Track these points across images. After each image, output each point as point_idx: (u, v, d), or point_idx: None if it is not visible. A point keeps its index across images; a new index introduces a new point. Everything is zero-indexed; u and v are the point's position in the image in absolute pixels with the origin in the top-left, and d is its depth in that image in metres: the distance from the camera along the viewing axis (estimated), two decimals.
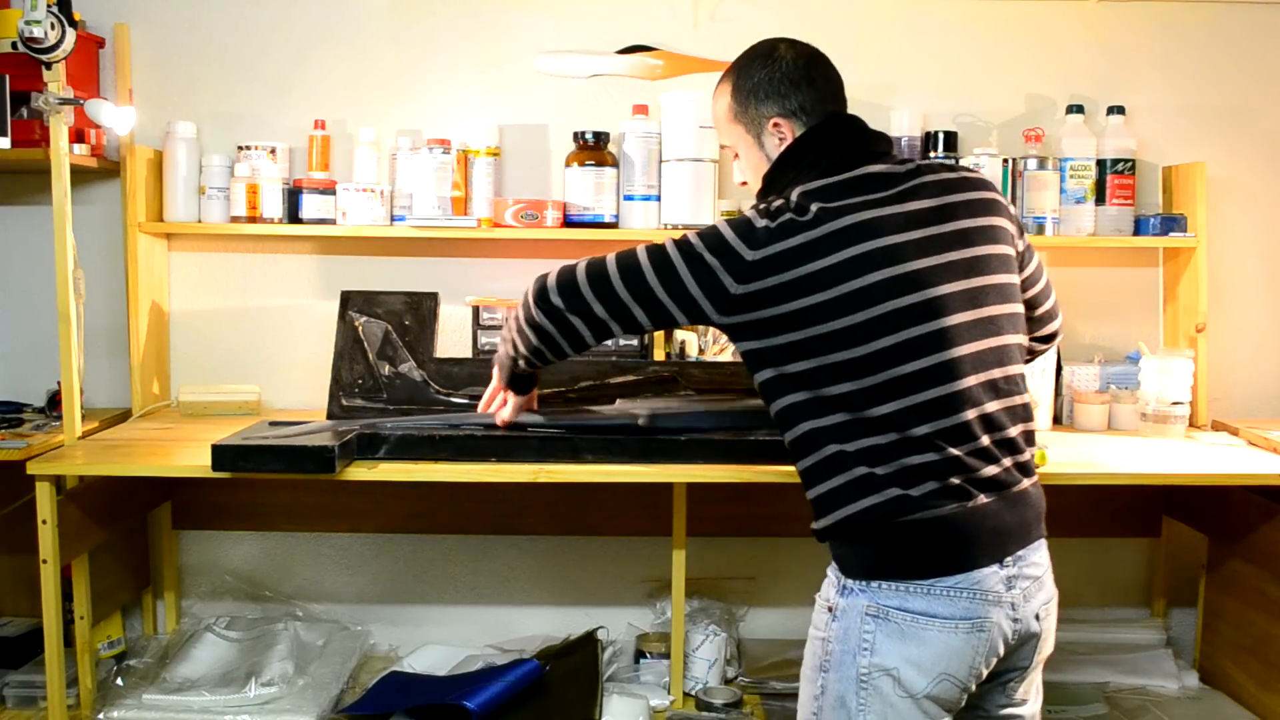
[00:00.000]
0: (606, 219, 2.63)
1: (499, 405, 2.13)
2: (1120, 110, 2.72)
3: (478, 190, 2.64)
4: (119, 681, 2.46)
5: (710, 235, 1.62)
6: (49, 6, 2.20)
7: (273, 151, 2.65)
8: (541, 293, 1.77)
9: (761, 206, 1.63)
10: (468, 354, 2.63)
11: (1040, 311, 1.83)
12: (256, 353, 2.79)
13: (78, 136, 2.50)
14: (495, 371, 2.06)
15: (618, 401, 2.32)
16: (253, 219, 2.61)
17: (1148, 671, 2.63)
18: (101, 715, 2.34)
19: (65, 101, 2.29)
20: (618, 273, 1.68)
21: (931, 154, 2.67)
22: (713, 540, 2.78)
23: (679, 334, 2.62)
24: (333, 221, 2.62)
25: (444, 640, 2.79)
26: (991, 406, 1.58)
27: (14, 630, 2.67)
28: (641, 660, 2.68)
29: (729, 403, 2.24)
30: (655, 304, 1.66)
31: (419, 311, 2.50)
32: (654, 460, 2.15)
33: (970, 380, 1.56)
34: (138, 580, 2.74)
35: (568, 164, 2.65)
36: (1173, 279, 2.79)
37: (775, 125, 1.71)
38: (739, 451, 2.14)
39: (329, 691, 2.45)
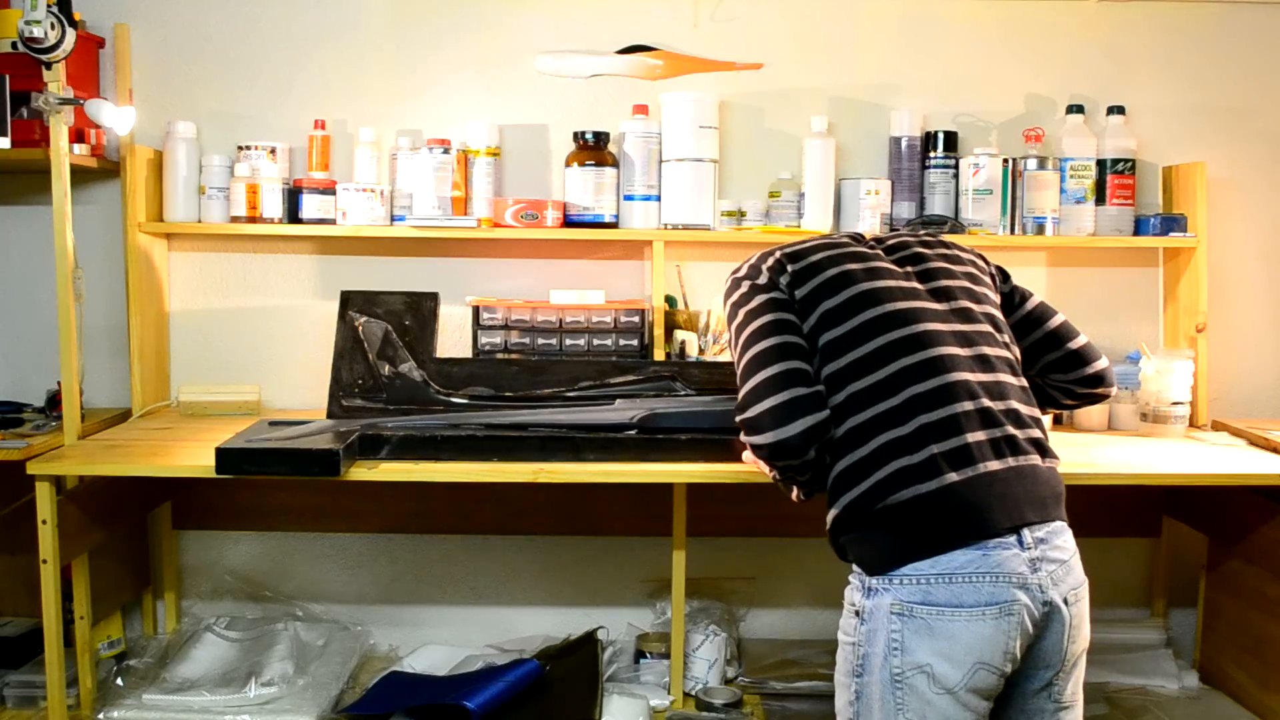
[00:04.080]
0: (606, 219, 2.63)
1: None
2: (1120, 110, 2.72)
3: (478, 190, 2.64)
4: (119, 681, 2.46)
5: (748, 269, 1.80)
6: (49, 6, 2.20)
7: (273, 151, 2.65)
8: (759, 441, 1.70)
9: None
10: (468, 354, 2.62)
11: (1073, 347, 1.87)
12: (256, 353, 2.79)
13: (78, 136, 2.50)
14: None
15: (618, 401, 2.32)
16: (253, 219, 2.61)
17: (1148, 671, 2.63)
18: (101, 715, 2.34)
19: (65, 101, 2.29)
20: (759, 367, 1.69)
21: (931, 154, 2.67)
22: (713, 540, 2.77)
23: (679, 334, 2.62)
24: (333, 221, 2.62)
25: (444, 640, 2.79)
26: (985, 377, 1.65)
27: (14, 630, 2.67)
28: (641, 660, 2.68)
29: (729, 403, 2.24)
30: (795, 351, 1.70)
31: (419, 311, 2.50)
32: (654, 460, 2.15)
33: (962, 372, 1.63)
34: (138, 580, 2.74)
35: (568, 164, 2.65)
36: (1173, 279, 2.79)
37: None
38: (739, 451, 2.14)
39: (329, 691, 2.45)
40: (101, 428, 2.50)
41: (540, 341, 2.58)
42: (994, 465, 1.58)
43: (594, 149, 2.63)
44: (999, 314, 1.77)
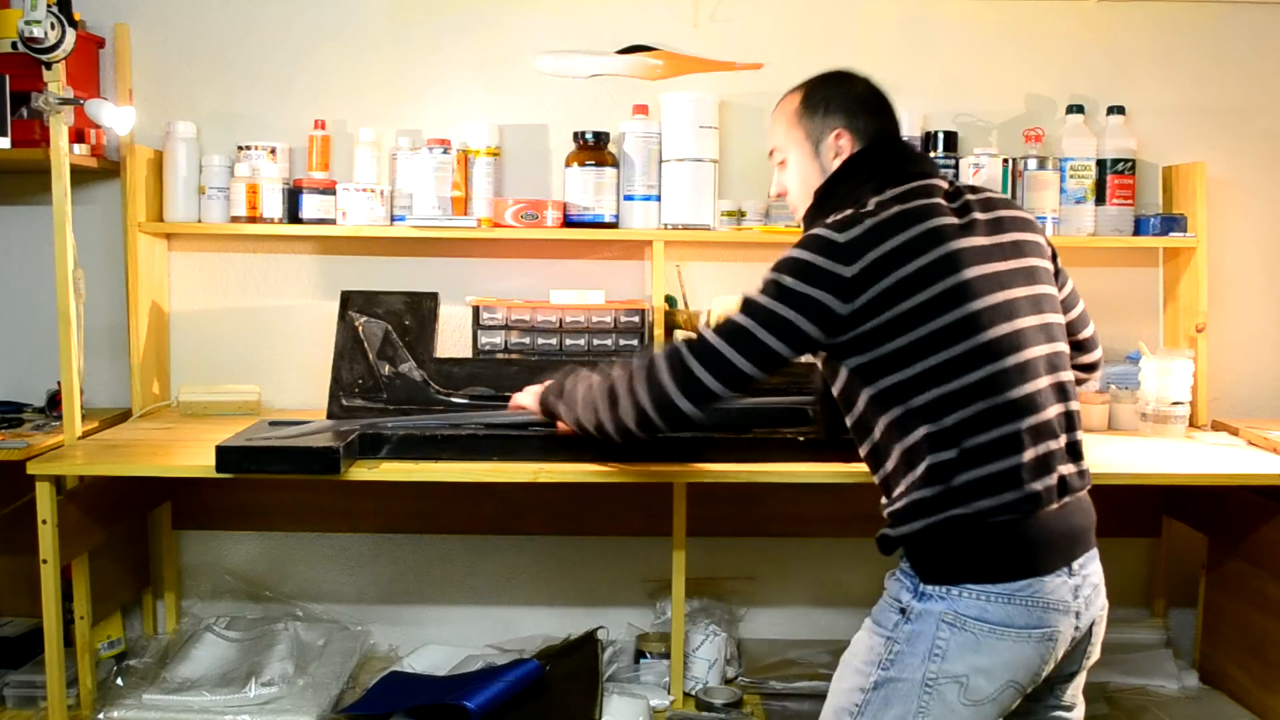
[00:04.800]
0: (606, 219, 2.63)
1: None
2: (1120, 110, 2.72)
3: (478, 190, 2.64)
4: (119, 681, 2.46)
5: (800, 266, 1.60)
6: (49, 6, 2.20)
7: (273, 151, 2.65)
8: (645, 422, 1.71)
9: (830, 222, 1.62)
10: (468, 354, 2.62)
11: (1081, 337, 1.85)
12: (256, 353, 2.79)
13: (78, 136, 2.50)
14: (536, 406, 2.02)
15: None
16: (253, 219, 2.61)
17: (1148, 671, 2.63)
18: (101, 715, 2.34)
19: (65, 101, 2.29)
20: (731, 346, 1.64)
21: (931, 154, 2.67)
22: (713, 540, 2.77)
23: (679, 334, 2.62)
24: (333, 221, 2.62)
25: (444, 640, 2.79)
26: (1061, 408, 1.62)
27: (14, 630, 2.67)
28: (641, 660, 2.68)
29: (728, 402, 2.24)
30: (772, 358, 1.63)
31: (419, 311, 2.50)
32: (654, 460, 2.15)
33: (1045, 381, 1.60)
34: (138, 580, 2.74)
35: (568, 164, 2.65)
36: (1173, 279, 2.79)
37: (838, 136, 1.73)
38: (739, 451, 2.14)
39: (329, 691, 2.45)
40: (101, 428, 2.50)
41: (540, 341, 2.58)
42: (1068, 500, 1.60)
43: (594, 149, 2.63)
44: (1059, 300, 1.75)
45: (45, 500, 2.13)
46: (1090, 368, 1.91)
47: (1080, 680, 1.70)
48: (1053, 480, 1.58)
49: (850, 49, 2.78)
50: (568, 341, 2.58)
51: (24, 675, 2.51)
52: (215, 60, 2.75)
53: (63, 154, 2.31)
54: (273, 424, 2.27)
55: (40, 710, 2.39)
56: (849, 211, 1.63)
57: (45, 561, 2.14)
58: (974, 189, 1.73)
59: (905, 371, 1.58)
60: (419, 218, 2.60)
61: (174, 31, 2.73)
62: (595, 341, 2.59)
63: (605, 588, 2.87)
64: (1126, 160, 2.70)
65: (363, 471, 2.11)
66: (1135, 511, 2.80)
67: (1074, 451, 1.64)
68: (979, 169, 2.64)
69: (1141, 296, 2.85)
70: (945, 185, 1.70)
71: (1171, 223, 2.66)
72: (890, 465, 1.62)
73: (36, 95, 2.31)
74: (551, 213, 2.60)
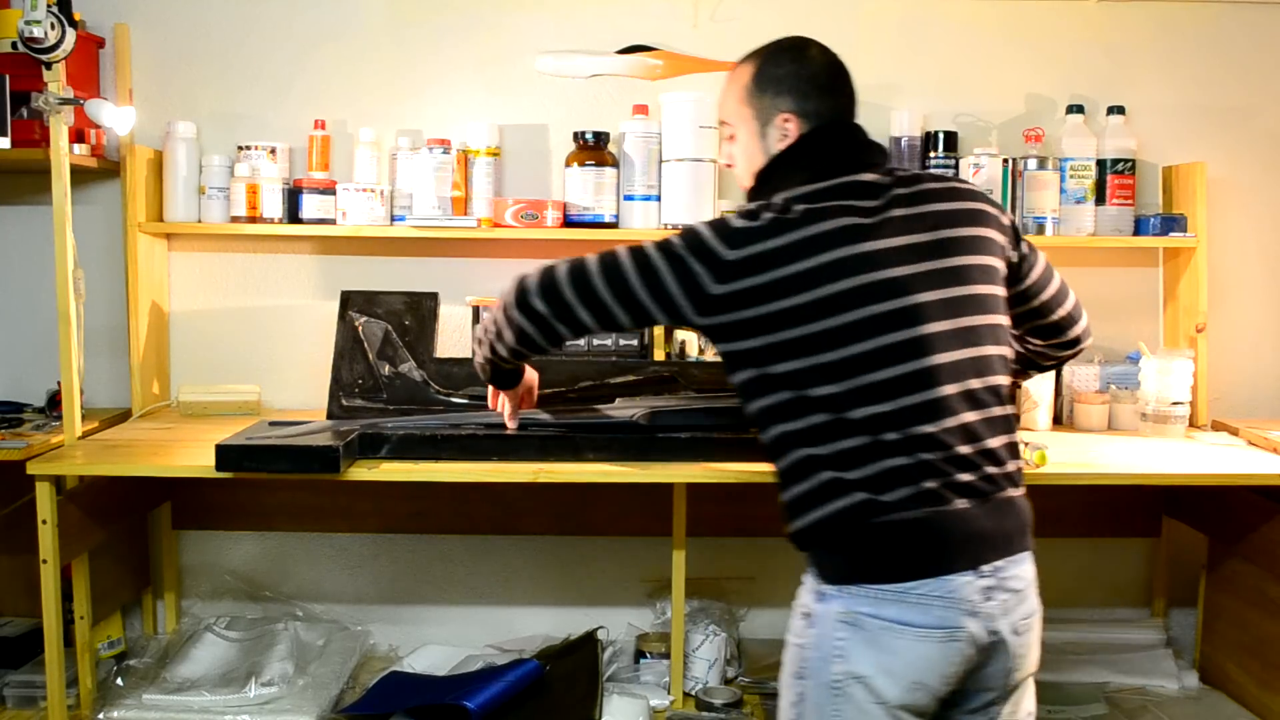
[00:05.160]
0: (606, 219, 2.62)
1: (501, 407, 2.14)
2: (1120, 110, 2.72)
3: (478, 190, 2.64)
4: (119, 681, 2.46)
5: (690, 236, 1.63)
6: (49, 6, 2.20)
7: (273, 151, 2.65)
8: (522, 296, 1.75)
9: (742, 209, 1.64)
10: (468, 354, 2.62)
11: (1056, 316, 1.82)
12: (256, 353, 2.79)
13: (78, 136, 2.50)
14: (480, 375, 2.05)
15: (617, 400, 2.32)
16: (253, 219, 2.61)
17: (1148, 671, 2.63)
18: (101, 715, 2.34)
19: (65, 101, 2.29)
20: (600, 274, 1.68)
21: (931, 154, 2.66)
22: (713, 540, 2.77)
23: (679, 334, 2.62)
24: (333, 221, 2.62)
25: (444, 640, 2.79)
26: (969, 417, 1.56)
27: (14, 630, 2.67)
28: (641, 660, 2.68)
29: (729, 402, 2.24)
30: (636, 304, 1.66)
31: (419, 311, 2.50)
32: (654, 460, 2.15)
33: (948, 389, 1.55)
34: (138, 580, 2.74)
35: (568, 164, 2.65)
36: (1173, 279, 2.79)
37: (786, 120, 1.70)
38: (739, 451, 2.14)
39: (329, 691, 2.45)
40: (101, 428, 2.50)
41: None
42: (975, 503, 1.55)
43: (594, 149, 2.63)
44: (1003, 291, 1.68)
45: (45, 500, 2.13)
46: (1068, 344, 1.88)
47: (1019, 700, 1.64)
48: (952, 483, 1.53)
49: (850, 49, 2.75)
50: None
51: (24, 675, 2.51)
52: (215, 60, 2.75)
53: (63, 154, 2.32)
54: (273, 424, 2.27)
55: (40, 710, 2.39)
56: (763, 203, 1.63)
57: (45, 561, 2.14)
58: (915, 179, 1.67)
59: (780, 366, 1.57)
60: (419, 218, 2.60)
61: (174, 31, 2.73)
62: (595, 341, 2.59)
63: (605, 588, 2.87)
64: (1126, 160, 2.69)
65: (362, 471, 2.11)
66: (1135, 511, 2.80)
67: (990, 457, 1.57)
68: (979, 169, 2.64)
69: (1141, 296, 2.85)
70: (878, 178, 1.64)
71: (1171, 223, 2.66)
72: (777, 458, 1.62)
73: (36, 95, 2.31)
74: (551, 213, 2.60)
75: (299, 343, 2.78)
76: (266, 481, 2.48)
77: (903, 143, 2.68)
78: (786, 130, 1.70)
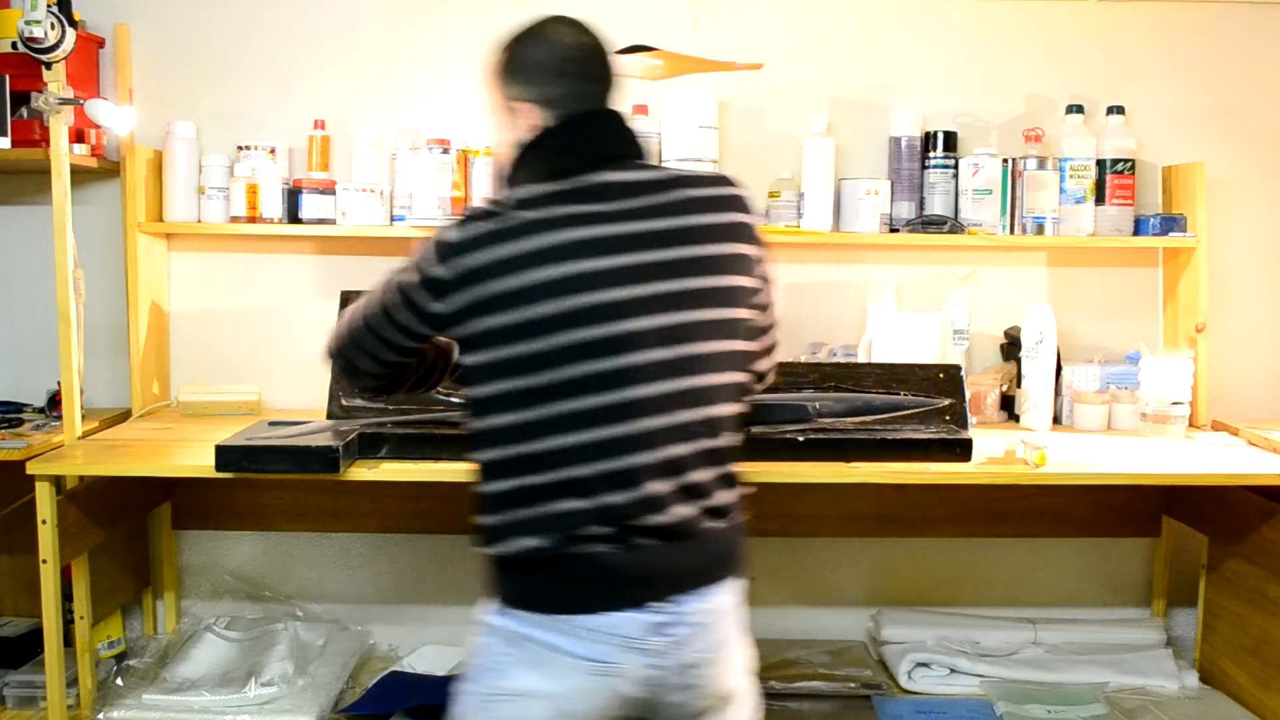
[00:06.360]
0: None
1: None
2: (1120, 110, 2.72)
3: (478, 190, 2.63)
4: (119, 681, 2.46)
5: (417, 254, 1.54)
6: (49, 6, 2.21)
7: (273, 151, 2.65)
8: (328, 353, 1.73)
9: (470, 209, 1.54)
10: None
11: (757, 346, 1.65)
12: (256, 353, 2.79)
13: (78, 136, 2.50)
14: None
15: None
16: (253, 219, 2.61)
17: (1148, 671, 2.63)
18: (101, 715, 2.34)
19: (65, 101, 2.29)
20: (365, 329, 1.63)
21: (931, 154, 2.66)
22: None
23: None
24: (333, 221, 2.62)
25: (444, 640, 2.79)
26: (677, 450, 1.49)
27: (14, 630, 2.67)
28: None
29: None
30: (400, 340, 1.60)
31: None
32: None
33: (651, 422, 1.47)
34: (138, 580, 2.74)
35: None
36: (1172, 279, 2.79)
37: (530, 109, 1.57)
38: (738, 451, 2.13)
39: (329, 691, 2.45)
40: (101, 428, 2.50)
41: None
42: (656, 541, 1.49)
43: None
44: (747, 312, 1.56)
45: (45, 500, 2.14)
46: (759, 378, 1.69)
47: None
48: (631, 526, 1.47)
49: (850, 48, 2.79)
50: None
51: (24, 675, 2.51)
52: (215, 60, 2.75)
53: (63, 154, 2.32)
54: (272, 424, 2.27)
55: (40, 710, 2.39)
56: (494, 201, 1.52)
57: (45, 561, 2.14)
58: (673, 183, 1.54)
59: (484, 388, 1.50)
60: (419, 218, 2.60)
61: (174, 31, 2.73)
62: None
63: None
64: (1126, 160, 2.69)
65: (362, 471, 2.11)
66: (1135, 511, 2.80)
67: (693, 492, 1.50)
68: (979, 169, 2.64)
69: (1141, 296, 2.85)
70: (624, 178, 1.52)
71: (1171, 223, 2.66)
72: (479, 484, 1.55)
73: (36, 95, 2.31)
74: None
75: (299, 343, 2.77)
76: (266, 481, 2.48)
77: (902, 142, 2.68)
78: (530, 119, 1.57)
